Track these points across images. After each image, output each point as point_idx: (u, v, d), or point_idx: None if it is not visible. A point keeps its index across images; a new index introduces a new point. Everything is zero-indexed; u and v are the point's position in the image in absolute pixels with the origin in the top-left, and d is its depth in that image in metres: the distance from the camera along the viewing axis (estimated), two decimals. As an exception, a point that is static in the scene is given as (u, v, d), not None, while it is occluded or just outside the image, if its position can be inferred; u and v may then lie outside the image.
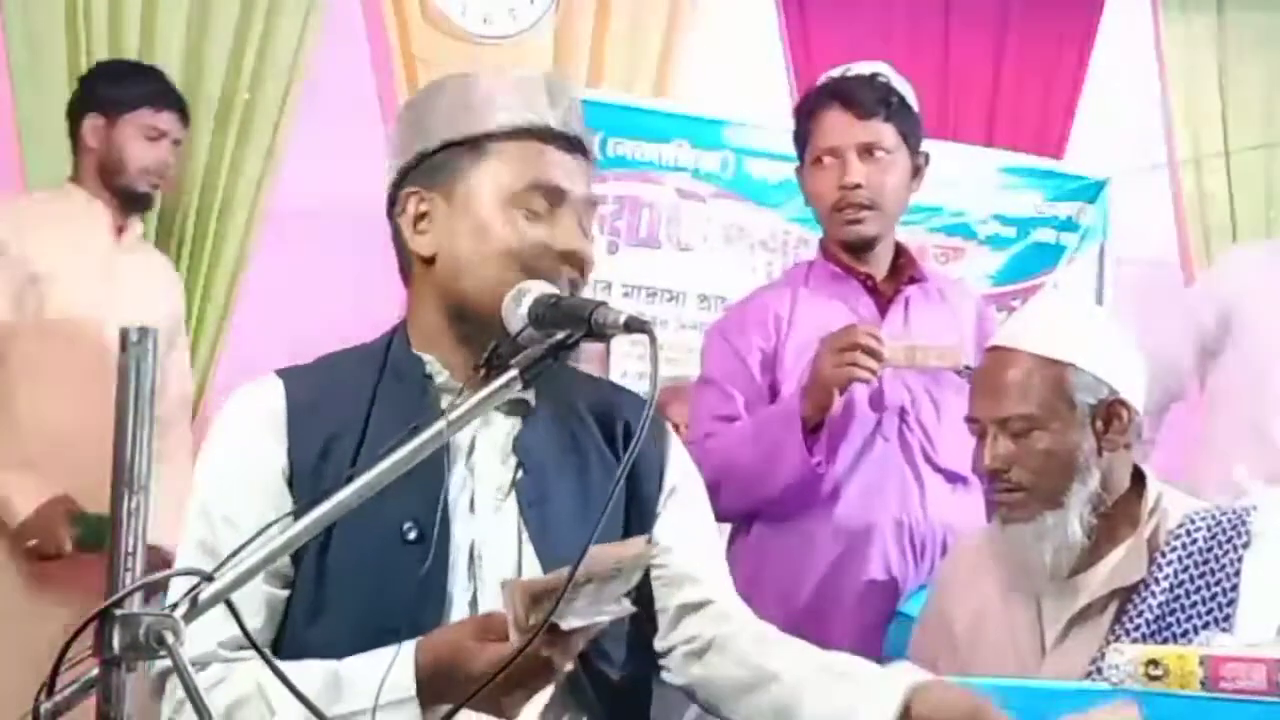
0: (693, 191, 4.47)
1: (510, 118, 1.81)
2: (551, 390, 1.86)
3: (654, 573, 1.89)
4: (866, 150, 2.80)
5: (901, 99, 2.85)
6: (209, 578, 1.39)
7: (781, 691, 1.78)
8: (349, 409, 1.78)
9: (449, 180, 1.81)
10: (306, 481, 1.74)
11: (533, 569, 1.75)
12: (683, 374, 3.66)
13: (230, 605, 1.42)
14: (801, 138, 2.88)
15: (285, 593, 1.75)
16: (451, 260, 1.80)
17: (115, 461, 1.33)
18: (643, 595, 1.86)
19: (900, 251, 2.92)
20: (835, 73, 2.90)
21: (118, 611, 1.29)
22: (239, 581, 1.41)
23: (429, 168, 1.83)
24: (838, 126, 2.81)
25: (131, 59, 3.90)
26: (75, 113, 3.59)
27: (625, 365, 4.08)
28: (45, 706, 1.34)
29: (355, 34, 4.34)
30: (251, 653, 1.66)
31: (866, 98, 2.81)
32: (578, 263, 1.80)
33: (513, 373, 1.61)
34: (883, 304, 2.87)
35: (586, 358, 2.04)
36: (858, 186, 2.79)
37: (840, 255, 2.89)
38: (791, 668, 1.80)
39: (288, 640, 1.74)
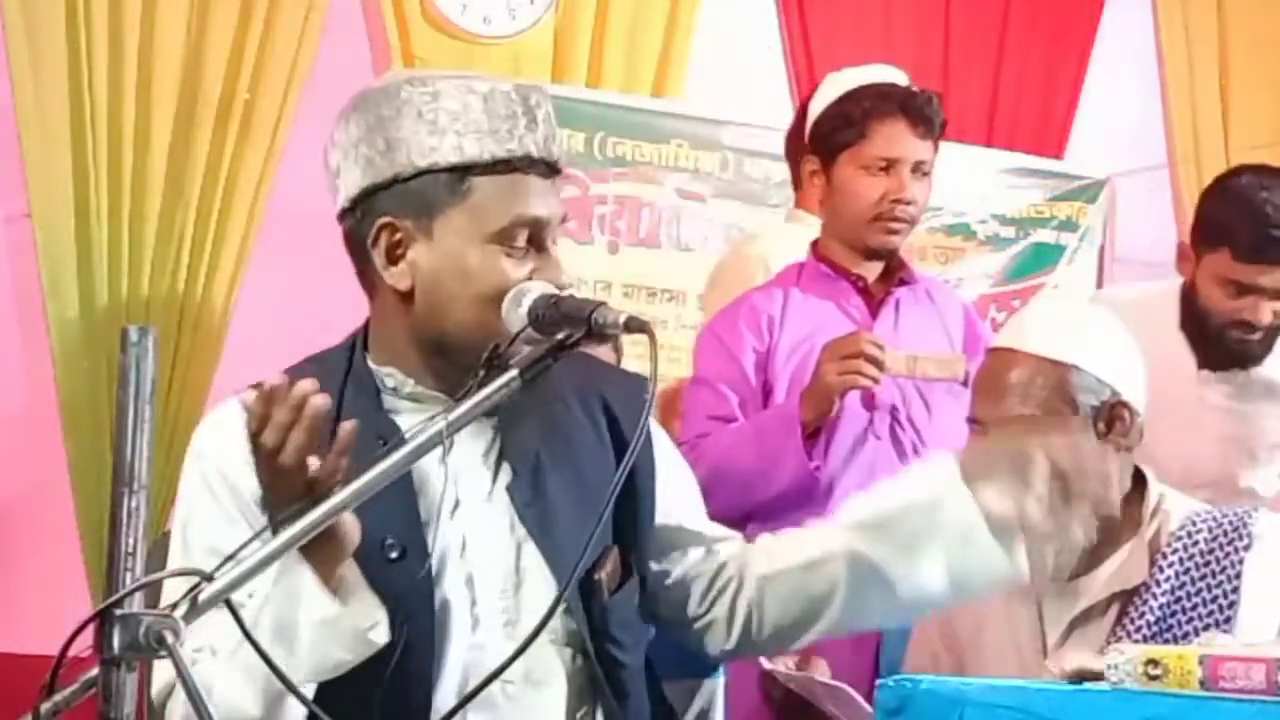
0: (693, 191, 4.46)
1: (490, 148, 1.73)
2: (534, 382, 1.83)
3: (668, 552, 1.89)
4: (919, 167, 2.83)
5: (944, 122, 2.91)
6: (209, 578, 1.39)
7: (842, 565, 1.84)
8: None
9: (427, 216, 1.75)
10: None
11: (536, 566, 1.76)
12: (683, 374, 3.67)
13: (230, 605, 1.42)
14: (846, 136, 2.86)
15: None
16: (431, 301, 1.76)
17: (115, 461, 1.34)
18: (655, 575, 1.88)
19: (891, 254, 2.93)
20: (899, 80, 2.92)
21: (118, 611, 1.29)
22: (239, 581, 1.41)
23: (402, 193, 1.75)
24: (902, 139, 2.83)
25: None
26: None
27: (625, 365, 4.07)
28: (45, 706, 1.34)
29: (355, 34, 4.34)
30: None
31: (932, 117, 2.85)
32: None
33: (512, 373, 1.62)
34: (873, 305, 2.89)
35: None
36: (911, 203, 2.82)
37: (838, 257, 2.90)
38: (832, 541, 1.87)
39: None
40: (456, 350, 1.76)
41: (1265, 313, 2.89)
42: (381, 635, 1.62)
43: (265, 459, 1.55)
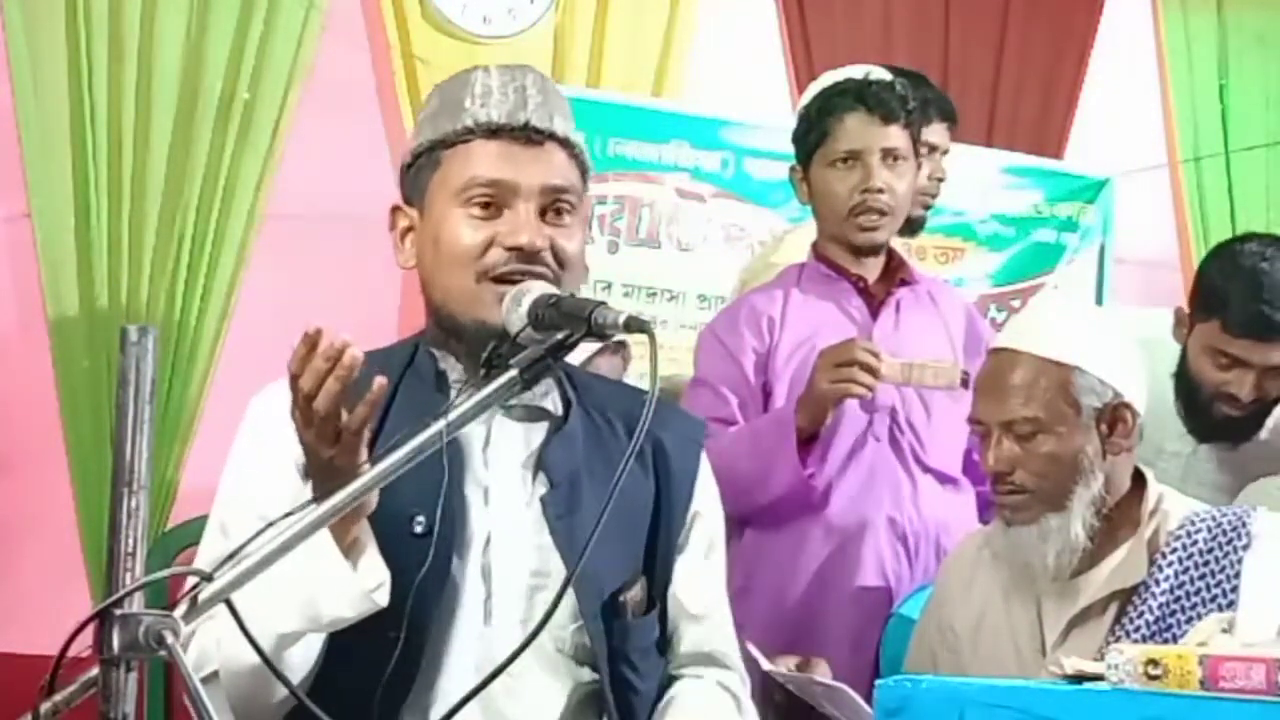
0: (693, 191, 4.46)
1: (456, 122, 1.82)
2: (586, 401, 1.89)
3: (671, 604, 1.92)
4: (888, 155, 2.82)
5: (916, 106, 2.88)
6: (209, 578, 1.39)
7: None
8: None
9: (419, 195, 1.86)
10: None
11: (558, 576, 1.77)
12: (683, 374, 3.67)
13: (230, 605, 1.42)
14: (813, 138, 2.87)
15: None
16: (423, 273, 1.85)
17: (115, 461, 1.34)
18: (663, 613, 1.90)
19: (891, 254, 2.93)
20: (856, 75, 2.91)
21: (117, 611, 1.29)
22: (239, 581, 1.41)
23: (408, 181, 1.88)
24: (862, 130, 2.81)
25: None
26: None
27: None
28: (45, 707, 1.34)
29: (355, 34, 4.34)
30: None
31: (892, 103, 2.83)
32: (532, 255, 1.78)
33: (512, 373, 1.62)
34: (874, 306, 2.88)
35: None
36: (881, 191, 2.81)
37: (836, 257, 2.90)
38: None
39: None
40: (450, 321, 1.82)
41: (1250, 388, 2.80)
42: (383, 597, 1.64)
43: (301, 402, 1.59)
